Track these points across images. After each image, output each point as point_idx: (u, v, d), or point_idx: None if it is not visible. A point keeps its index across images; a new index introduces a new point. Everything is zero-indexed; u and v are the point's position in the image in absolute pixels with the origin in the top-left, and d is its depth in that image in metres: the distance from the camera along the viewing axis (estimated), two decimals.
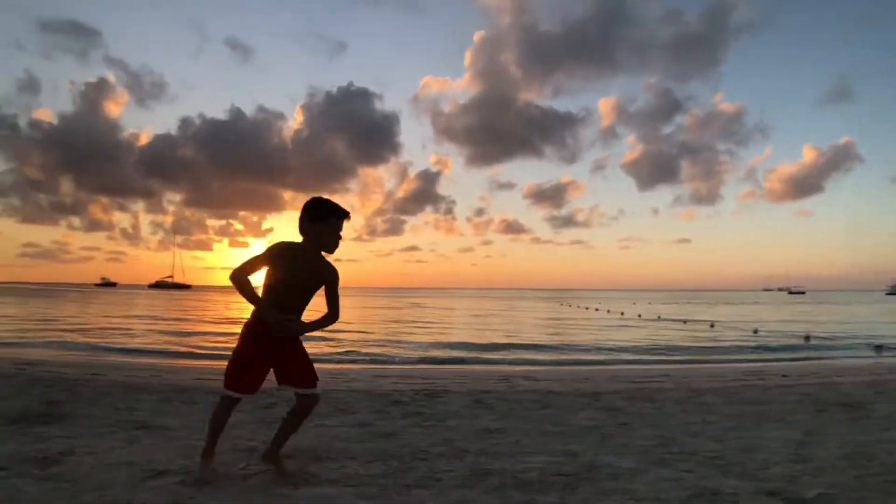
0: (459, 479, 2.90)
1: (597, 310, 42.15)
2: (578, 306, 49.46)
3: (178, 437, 3.71)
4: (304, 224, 2.86)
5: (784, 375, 8.22)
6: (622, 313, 36.05)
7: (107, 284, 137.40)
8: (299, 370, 2.91)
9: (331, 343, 15.38)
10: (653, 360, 13.02)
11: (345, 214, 2.89)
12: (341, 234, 2.89)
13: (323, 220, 2.84)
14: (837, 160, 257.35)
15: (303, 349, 2.97)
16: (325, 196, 2.93)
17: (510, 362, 12.18)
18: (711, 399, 5.34)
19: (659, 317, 31.92)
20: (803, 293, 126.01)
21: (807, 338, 19.01)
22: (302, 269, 2.83)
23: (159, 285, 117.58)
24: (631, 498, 2.65)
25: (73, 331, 18.83)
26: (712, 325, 24.86)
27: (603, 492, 2.73)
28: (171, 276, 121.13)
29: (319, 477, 2.90)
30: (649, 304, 57.90)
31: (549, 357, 13.51)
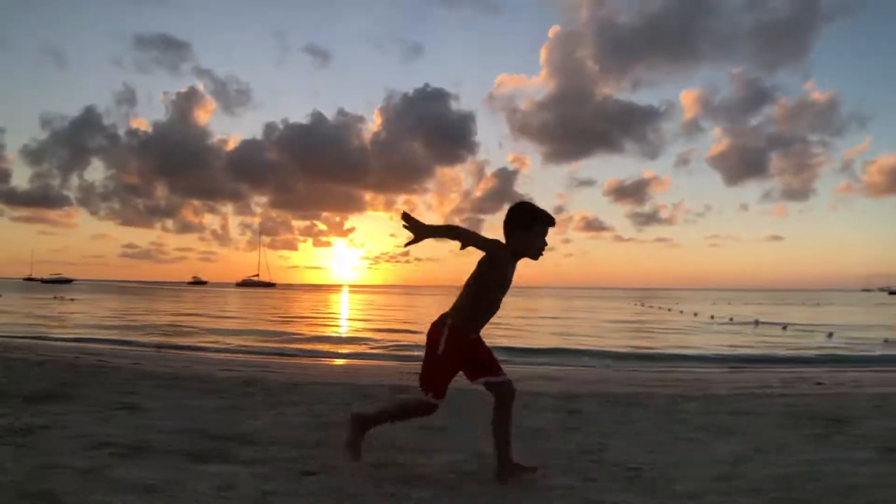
0: (354, 469, 3.03)
1: (669, 310, 40.81)
2: (652, 306, 48.02)
3: (149, 417, 4.14)
4: (513, 230, 2.85)
5: (818, 383, 7.85)
6: (695, 314, 34.66)
7: (197, 283, 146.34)
8: (492, 360, 2.99)
9: (370, 343, 16.04)
10: (690, 365, 12.57)
11: (553, 223, 2.90)
12: (547, 241, 2.92)
13: (533, 228, 2.86)
14: None
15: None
16: (529, 201, 2.96)
17: (538, 363, 12.13)
18: (691, 407, 5.17)
19: (731, 319, 30.47)
20: None
21: (886, 340, 17.75)
22: (510, 272, 2.92)
23: (246, 283, 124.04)
24: (503, 502, 2.70)
25: (144, 327, 20.44)
26: (784, 328, 23.57)
27: (479, 493, 2.80)
28: (256, 275, 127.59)
29: (234, 457, 3.18)
30: (729, 304, 55.25)
31: (586, 361, 13.34)
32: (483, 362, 2.96)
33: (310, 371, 8.04)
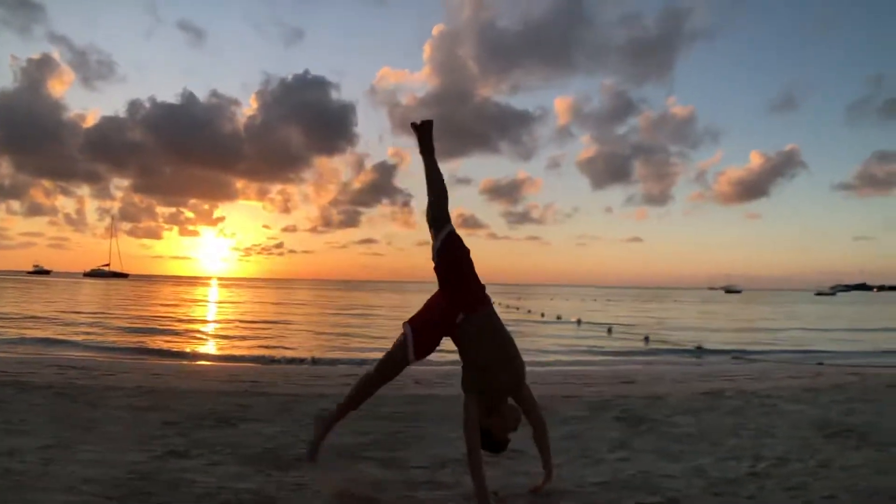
0: None
1: (517, 309, 41.00)
2: (500, 304, 48.87)
3: None
4: None
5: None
6: (542, 314, 33.81)
7: (40, 272, 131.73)
8: None
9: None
10: None
11: None
12: None
13: None
14: (783, 166, 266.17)
15: None
16: None
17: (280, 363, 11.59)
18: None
19: (579, 320, 30.45)
20: (739, 292, 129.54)
21: (646, 339, 19.09)
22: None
23: (95, 274, 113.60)
24: None
25: None
26: (579, 324, 24.90)
27: None
28: (107, 265, 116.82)
29: None
30: (582, 300, 58.10)
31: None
32: None
33: None
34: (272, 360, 11.66)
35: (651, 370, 10.08)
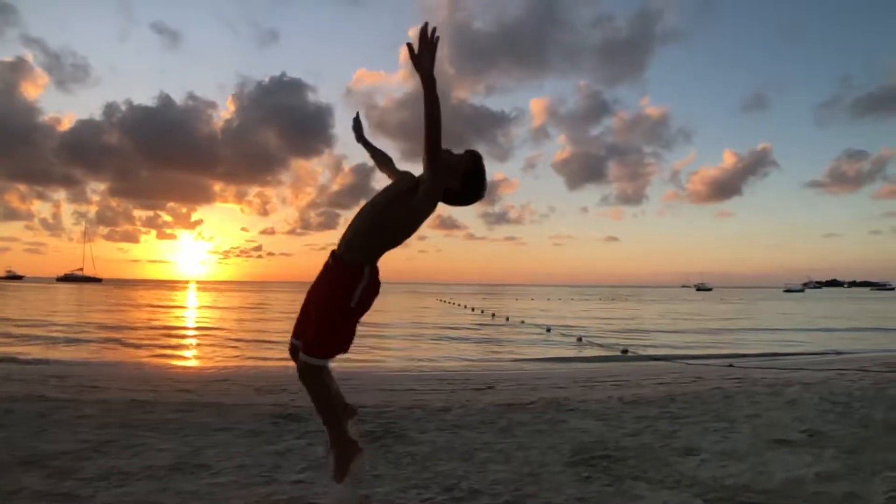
0: None
1: (473, 310, 40.25)
2: (458, 304, 48.09)
3: None
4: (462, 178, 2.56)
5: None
6: (493, 315, 32.99)
7: (12, 277, 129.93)
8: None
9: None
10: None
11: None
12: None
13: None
14: (755, 165, 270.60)
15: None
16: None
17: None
18: None
19: (510, 318, 30.64)
20: (710, 290, 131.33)
21: (579, 340, 18.81)
22: None
23: (68, 278, 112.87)
24: None
25: None
26: (507, 319, 24.81)
27: None
28: (80, 269, 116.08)
29: None
30: (548, 300, 58.16)
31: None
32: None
33: None
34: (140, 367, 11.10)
35: (527, 374, 9.60)
